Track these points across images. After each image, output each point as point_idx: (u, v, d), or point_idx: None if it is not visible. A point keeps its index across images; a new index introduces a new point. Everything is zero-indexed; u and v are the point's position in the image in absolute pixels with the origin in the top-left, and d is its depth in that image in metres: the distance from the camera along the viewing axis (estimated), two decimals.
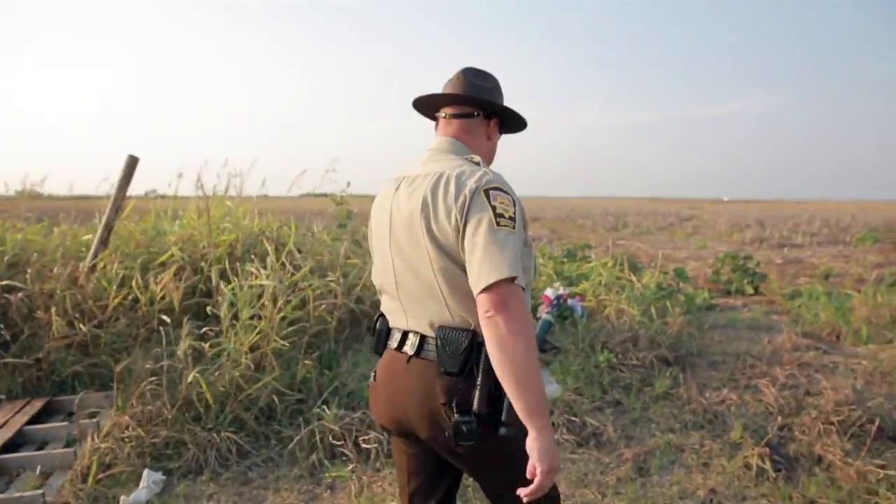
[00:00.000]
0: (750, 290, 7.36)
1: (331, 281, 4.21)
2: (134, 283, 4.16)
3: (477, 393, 1.30)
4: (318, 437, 3.22)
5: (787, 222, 23.78)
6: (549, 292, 4.38)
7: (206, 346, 3.51)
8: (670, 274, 5.74)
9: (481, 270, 1.26)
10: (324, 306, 4.13)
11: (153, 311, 4.10)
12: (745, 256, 7.81)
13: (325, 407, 3.42)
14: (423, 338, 1.40)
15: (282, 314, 3.77)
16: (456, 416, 1.31)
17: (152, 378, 3.41)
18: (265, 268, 4.04)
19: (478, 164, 1.44)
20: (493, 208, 1.31)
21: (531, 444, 1.26)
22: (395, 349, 1.46)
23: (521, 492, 1.30)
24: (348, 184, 8.04)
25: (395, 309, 1.49)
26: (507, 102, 1.59)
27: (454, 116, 1.55)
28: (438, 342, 1.35)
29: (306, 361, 3.74)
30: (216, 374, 3.49)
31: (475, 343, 1.33)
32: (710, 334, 5.00)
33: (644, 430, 3.34)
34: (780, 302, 6.73)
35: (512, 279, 1.24)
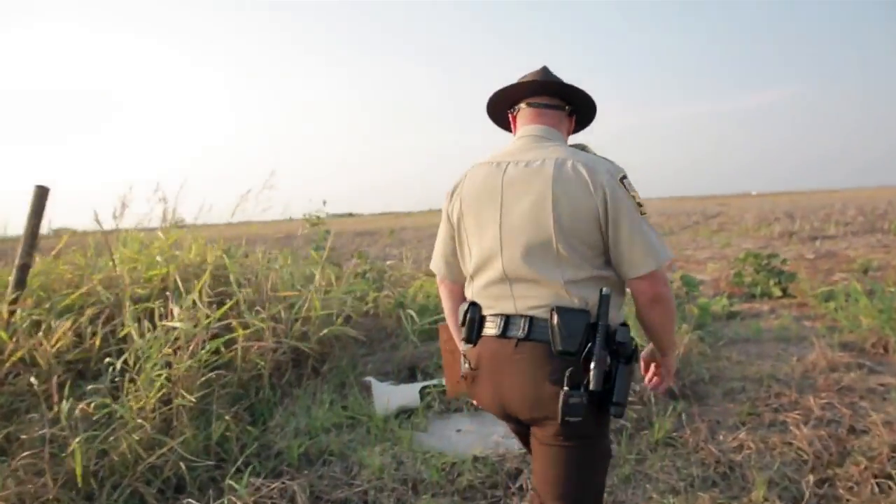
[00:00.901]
0: (777, 291, 6.52)
1: (262, 319, 3.55)
2: (42, 332, 3.57)
3: (593, 372, 1.36)
4: None
5: (819, 213, 22.53)
6: None
7: (91, 408, 2.87)
8: (677, 282, 4.96)
9: (646, 258, 1.40)
10: (256, 348, 3.48)
11: (55, 364, 3.49)
12: (769, 255, 6.96)
13: (248, 474, 2.77)
14: (532, 320, 1.44)
15: (195, 361, 3.14)
16: (566, 389, 1.36)
17: (32, 451, 2.79)
18: (185, 307, 3.41)
19: (586, 151, 1.52)
20: (633, 198, 1.43)
21: (667, 364, 1.62)
22: (499, 336, 1.48)
23: (656, 386, 1.65)
24: (324, 202, 7.47)
25: (500, 294, 1.50)
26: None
27: (548, 107, 1.59)
28: (555, 323, 1.39)
29: (227, 417, 3.09)
30: (112, 440, 2.86)
31: (590, 324, 1.40)
32: (727, 352, 4.20)
33: (638, 492, 2.59)
34: (812, 304, 5.88)
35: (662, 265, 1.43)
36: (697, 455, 2.79)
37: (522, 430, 1.60)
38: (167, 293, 3.74)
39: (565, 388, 1.35)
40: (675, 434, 2.98)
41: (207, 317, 3.30)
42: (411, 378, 4.14)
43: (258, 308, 3.68)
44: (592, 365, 1.36)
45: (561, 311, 1.39)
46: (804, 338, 4.61)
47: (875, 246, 10.64)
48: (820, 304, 5.70)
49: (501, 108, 1.66)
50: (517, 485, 2.68)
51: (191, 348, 3.14)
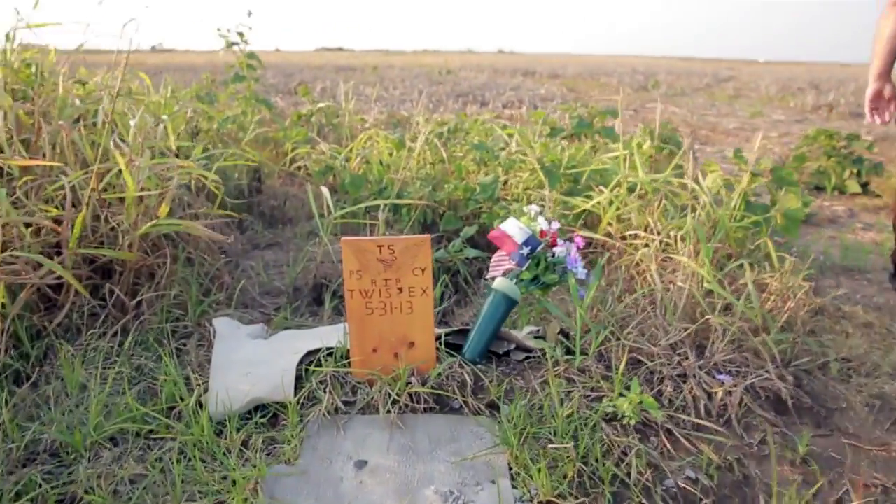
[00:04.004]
0: (855, 187, 4.83)
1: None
2: None
3: None
4: None
5: (848, 85, 20.21)
6: (511, 226, 1.90)
7: None
8: (725, 166, 3.19)
9: None
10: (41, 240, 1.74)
11: None
12: (849, 135, 5.16)
13: None
14: None
15: None
16: None
17: None
18: None
19: None
20: None
21: None
22: None
23: None
24: (249, 13, 5.38)
25: None
26: None
27: None
28: None
29: None
30: None
31: None
32: (842, 304, 2.54)
33: None
34: None
35: None
36: None
37: None
38: None
39: None
40: None
41: None
42: (315, 303, 2.49)
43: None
44: None
45: None
46: None
47: None
48: None
49: None
50: None
51: None
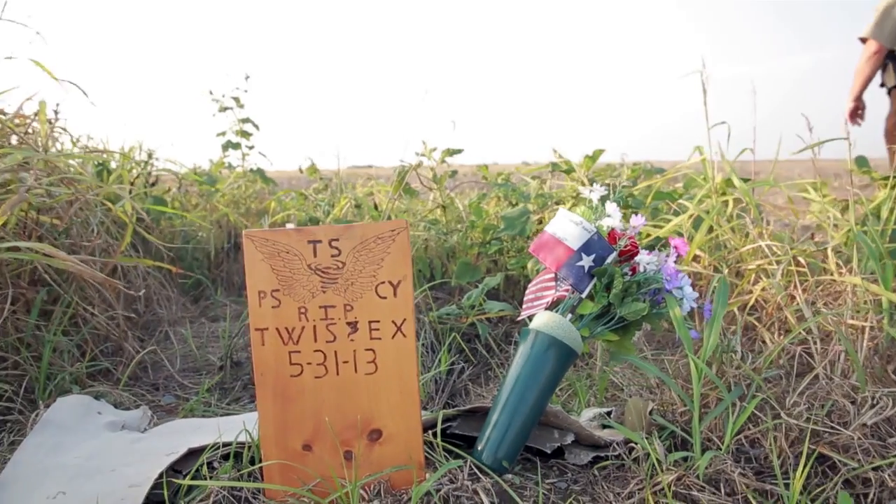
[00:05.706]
0: None
1: None
2: None
3: None
4: None
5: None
6: (561, 224, 1.11)
7: None
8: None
9: None
10: None
11: None
12: None
13: None
14: None
15: None
16: None
17: None
18: None
19: None
20: None
21: None
22: None
23: None
24: (247, 77, 4.89)
25: None
26: None
27: None
28: None
29: None
30: None
31: None
32: None
33: None
34: None
35: None
36: None
37: None
38: None
39: None
40: None
41: None
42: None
43: None
44: None
45: None
46: None
47: None
48: None
49: None
50: None
51: None
